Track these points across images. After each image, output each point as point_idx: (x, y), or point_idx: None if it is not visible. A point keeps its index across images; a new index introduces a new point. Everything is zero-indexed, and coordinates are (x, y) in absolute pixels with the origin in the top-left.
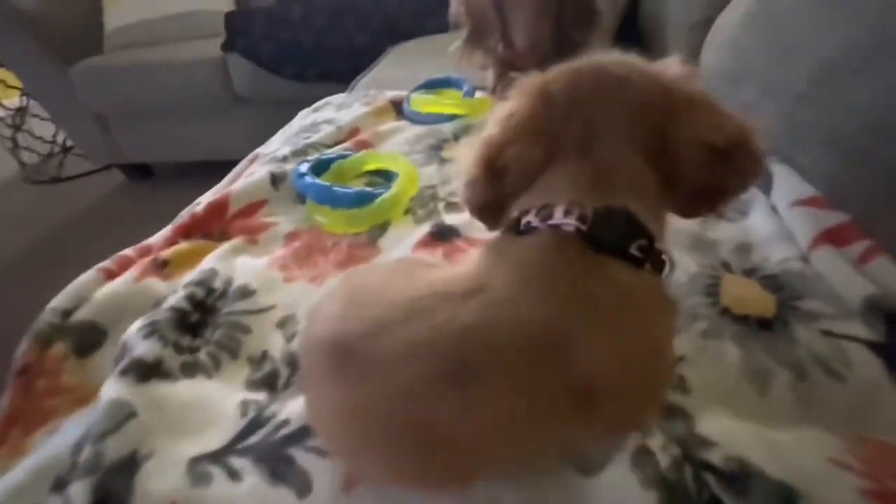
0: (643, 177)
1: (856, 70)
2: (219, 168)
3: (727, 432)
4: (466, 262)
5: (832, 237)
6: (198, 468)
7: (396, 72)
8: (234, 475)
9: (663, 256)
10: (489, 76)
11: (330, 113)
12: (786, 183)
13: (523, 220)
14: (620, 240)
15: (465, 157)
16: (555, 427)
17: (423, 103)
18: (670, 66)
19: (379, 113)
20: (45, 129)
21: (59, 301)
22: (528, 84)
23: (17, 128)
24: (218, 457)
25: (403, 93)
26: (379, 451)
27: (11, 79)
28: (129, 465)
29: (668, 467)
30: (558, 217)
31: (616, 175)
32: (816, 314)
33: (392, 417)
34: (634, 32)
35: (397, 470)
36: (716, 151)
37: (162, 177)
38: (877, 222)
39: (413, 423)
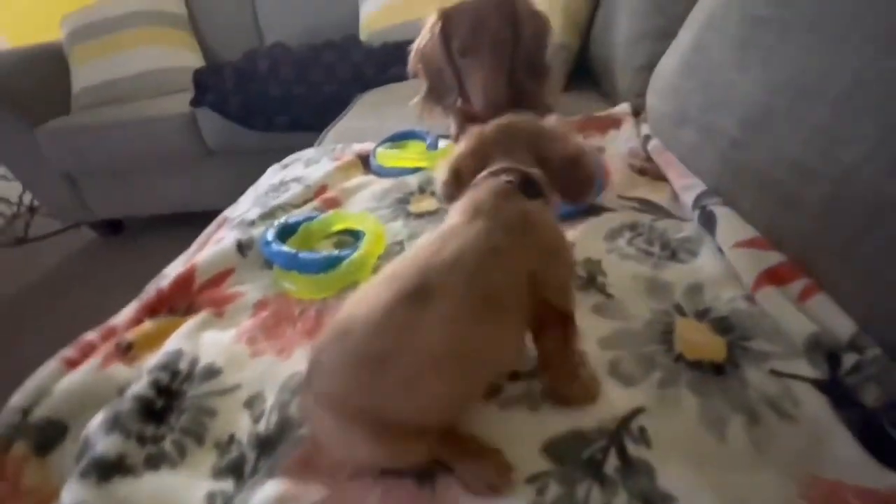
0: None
1: (781, 116)
2: (190, 219)
3: (688, 486)
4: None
5: (773, 277)
6: None
7: (364, 122)
8: None
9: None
10: (452, 126)
11: (298, 170)
12: (729, 224)
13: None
14: (531, 188)
15: (441, 169)
16: (508, 320)
17: (389, 158)
18: (549, 121)
19: (346, 168)
20: (10, 189)
21: (18, 399)
22: (471, 132)
23: None
24: None
25: (370, 145)
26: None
27: None
28: None
29: None
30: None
31: (523, 164)
32: (765, 354)
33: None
34: (587, 75)
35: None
36: (562, 162)
37: (133, 231)
38: (811, 262)
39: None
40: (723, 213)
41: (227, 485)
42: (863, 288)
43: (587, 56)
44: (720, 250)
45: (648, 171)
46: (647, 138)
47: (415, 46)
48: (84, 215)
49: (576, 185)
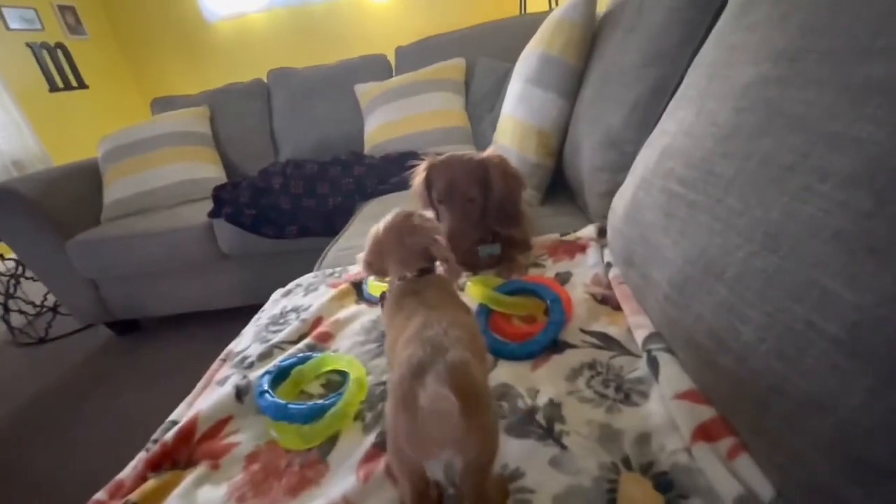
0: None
1: (695, 285)
2: (204, 317)
3: None
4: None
5: (706, 433)
6: None
7: (361, 240)
8: None
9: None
10: None
11: (298, 298)
12: (670, 373)
13: (404, 275)
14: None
15: (359, 260)
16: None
17: (377, 288)
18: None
19: (341, 297)
20: (35, 289)
21: None
22: (369, 234)
23: (9, 295)
24: None
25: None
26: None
27: (6, 249)
28: None
29: None
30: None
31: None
32: None
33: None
34: (565, 187)
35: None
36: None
37: (149, 329)
38: (732, 422)
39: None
40: (665, 361)
41: None
42: (773, 455)
43: (563, 171)
44: (663, 397)
45: (609, 300)
46: (608, 266)
47: (412, 182)
48: (103, 316)
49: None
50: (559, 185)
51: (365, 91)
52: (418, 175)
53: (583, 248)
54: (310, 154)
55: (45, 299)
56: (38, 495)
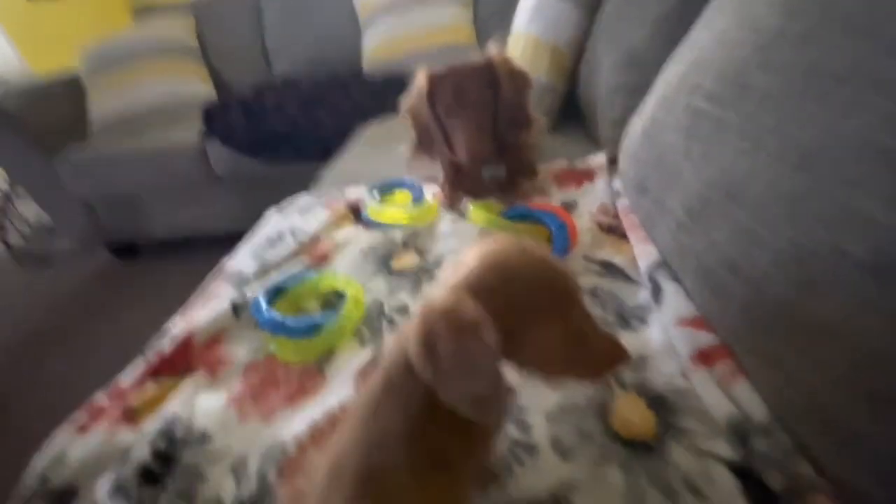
0: None
1: (715, 209)
2: (202, 243)
3: None
4: None
5: (705, 357)
6: None
7: (358, 165)
8: None
9: None
10: (439, 174)
11: (294, 218)
12: (673, 301)
13: None
14: None
15: None
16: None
17: (377, 213)
18: None
19: (338, 220)
20: (28, 209)
21: (40, 463)
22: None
23: (2, 211)
24: None
25: (362, 193)
26: None
27: None
28: None
29: None
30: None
31: None
32: (690, 432)
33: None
34: (577, 113)
35: None
36: None
37: (148, 253)
38: (734, 348)
39: None
40: (670, 289)
41: None
42: (773, 379)
43: (576, 96)
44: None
45: (615, 229)
46: (617, 195)
47: (404, 103)
48: (101, 238)
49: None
50: (570, 114)
51: (364, 3)
52: (418, 89)
53: (591, 177)
54: (305, 71)
55: (40, 221)
56: (48, 404)
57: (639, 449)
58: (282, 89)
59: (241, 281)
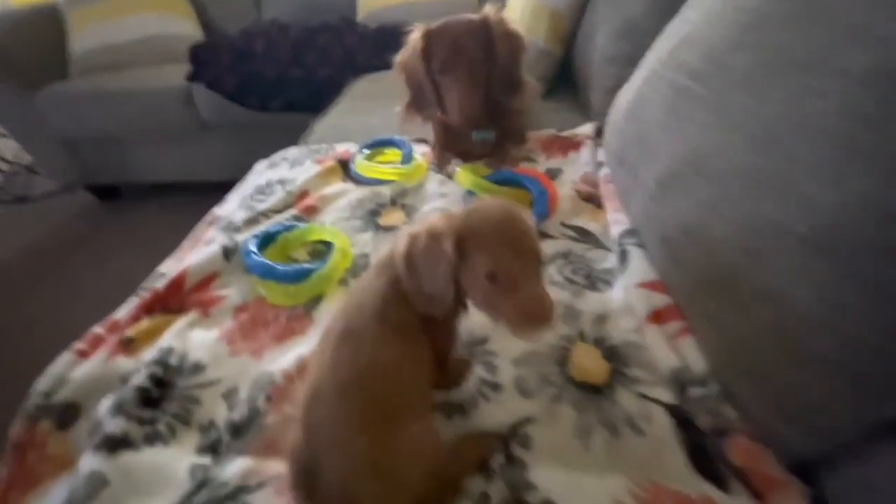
0: None
1: (682, 182)
2: (186, 190)
3: (548, 479)
4: None
5: (659, 317)
6: None
7: (349, 119)
8: None
9: None
10: (431, 134)
11: (283, 171)
12: (636, 266)
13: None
14: None
15: None
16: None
17: (366, 169)
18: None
19: (327, 174)
20: (6, 147)
21: (41, 384)
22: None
23: None
24: None
25: (352, 149)
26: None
27: None
28: None
29: None
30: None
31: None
32: (637, 380)
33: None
34: (571, 81)
35: None
36: None
37: (130, 197)
38: (687, 307)
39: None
40: (635, 255)
41: (207, 460)
42: (716, 338)
43: (571, 63)
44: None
45: (594, 198)
46: (600, 165)
47: (398, 59)
48: (82, 179)
49: None
50: (565, 81)
51: None
52: (413, 44)
53: (577, 146)
54: (296, 17)
55: (19, 158)
56: (31, 341)
57: (591, 392)
58: (272, 33)
59: (231, 228)
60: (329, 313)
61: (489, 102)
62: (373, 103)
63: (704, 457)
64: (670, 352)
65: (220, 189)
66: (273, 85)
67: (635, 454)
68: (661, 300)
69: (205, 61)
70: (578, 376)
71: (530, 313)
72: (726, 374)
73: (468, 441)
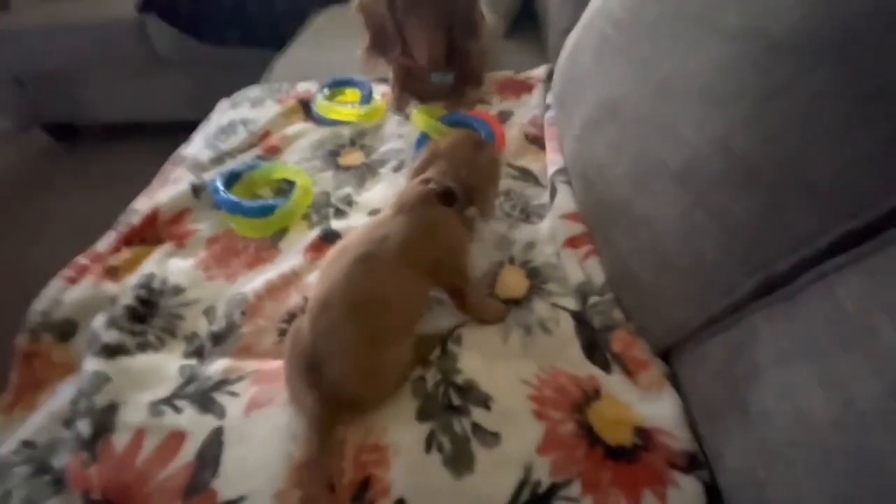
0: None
1: (598, 126)
2: (145, 130)
3: (471, 366)
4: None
5: (573, 242)
6: (155, 408)
7: (311, 55)
8: (178, 410)
9: (466, 211)
10: (391, 76)
11: (245, 110)
12: (562, 199)
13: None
14: (449, 198)
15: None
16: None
17: (327, 109)
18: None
19: (288, 114)
20: None
21: (38, 305)
22: (428, 147)
23: None
24: (167, 400)
25: (313, 88)
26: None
27: None
28: (112, 408)
29: (431, 386)
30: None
31: (450, 177)
32: (552, 293)
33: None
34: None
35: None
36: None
37: (88, 137)
38: (594, 233)
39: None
40: (562, 190)
41: (193, 362)
42: (610, 256)
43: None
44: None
45: (539, 139)
46: (547, 108)
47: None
48: (35, 118)
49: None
50: (531, 17)
51: None
52: None
53: (529, 88)
54: None
55: None
56: None
57: (511, 304)
58: None
59: (197, 167)
60: (292, 244)
61: (449, 44)
62: (334, 39)
63: (595, 348)
64: (579, 270)
65: (183, 127)
66: (229, 15)
67: (543, 347)
68: (577, 228)
69: None
70: (501, 294)
71: None
72: (617, 285)
73: (418, 342)
